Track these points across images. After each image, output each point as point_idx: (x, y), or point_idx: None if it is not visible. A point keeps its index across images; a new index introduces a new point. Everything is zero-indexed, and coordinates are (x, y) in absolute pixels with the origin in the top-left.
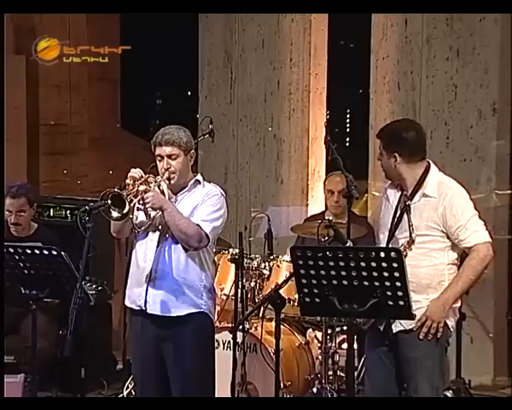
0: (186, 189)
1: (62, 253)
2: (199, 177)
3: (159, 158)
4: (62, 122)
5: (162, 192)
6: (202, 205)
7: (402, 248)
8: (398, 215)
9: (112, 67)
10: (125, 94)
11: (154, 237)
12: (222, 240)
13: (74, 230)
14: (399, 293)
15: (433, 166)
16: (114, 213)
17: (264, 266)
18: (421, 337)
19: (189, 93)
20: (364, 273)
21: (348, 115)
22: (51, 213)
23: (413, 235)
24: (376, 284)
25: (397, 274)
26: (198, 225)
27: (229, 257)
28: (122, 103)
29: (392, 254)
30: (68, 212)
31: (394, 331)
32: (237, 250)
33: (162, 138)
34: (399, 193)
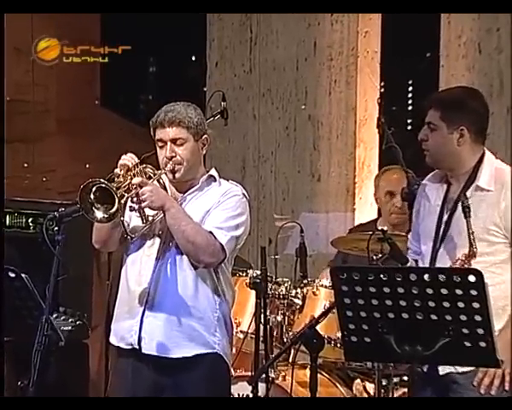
0: (196, 187)
1: (23, 275)
2: (213, 172)
3: (160, 144)
4: (22, 98)
5: (164, 188)
6: (217, 208)
7: (459, 264)
8: (445, 219)
9: (90, 24)
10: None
11: (151, 249)
12: (239, 258)
13: (39, 244)
14: (480, 331)
15: (487, 151)
16: (98, 213)
17: (296, 293)
18: (482, 392)
19: (194, 58)
20: (432, 304)
21: (410, 88)
22: (7, 222)
23: (474, 246)
24: (448, 318)
25: (476, 305)
26: (211, 233)
27: (247, 281)
28: (102, 72)
29: (471, 277)
30: (30, 220)
31: (442, 373)
32: (259, 272)
33: (165, 117)
34: (444, 189)
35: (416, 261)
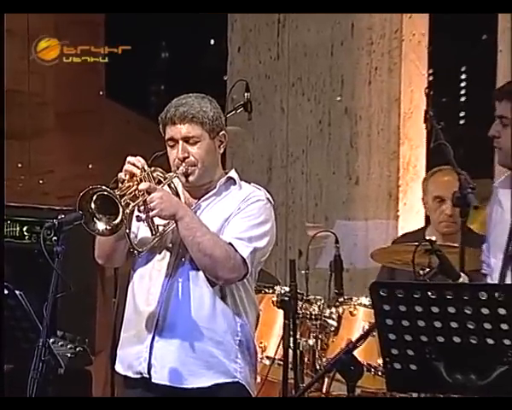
0: (213, 191)
1: (16, 292)
2: (233, 174)
3: (170, 143)
4: (15, 88)
5: (176, 194)
6: (238, 216)
7: None
8: None
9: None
10: (112, 45)
11: (162, 264)
12: (264, 272)
13: (35, 256)
14: None
15: None
16: (100, 225)
17: (330, 313)
18: None
19: (213, 42)
20: (488, 326)
21: (463, 77)
22: None
23: None
24: (507, 342)
25: None
26: (231, 244)
27: (274, 299)
28: (107, 60)
29: None
30: (25, 228)
31: None
32: (287, 289)
33: (176, 112)
34: None
35: (486, 276)
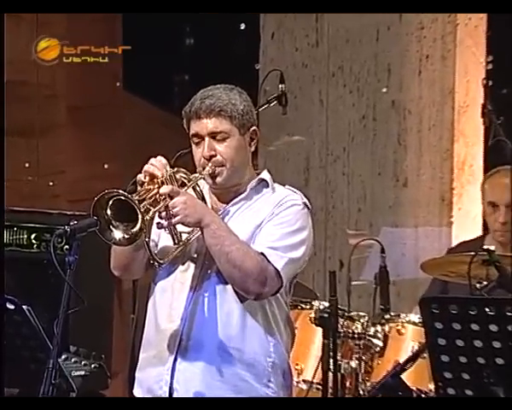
0: (243, 195)
1: (24, 307)
2: (265, 175)
3: (195, 140)
4: (22, 79)
5: (202, 198)
6: (271, 222)
7: None
8: None
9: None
10: (130, 30)
11: (186, 276)
12: (301, 285)
13: (44, 266)
14: None
15: None
16: (117, 233)
17: (375, 331)
18: None
19: (243, 27)
20: None
21: None
22: (5, 239)
23: None
24: None
25: None
26: (263, 254)
27: (312, 316)
28: (124, 45)
29: None
30: (33, 236)
31: None
32: (327, 304)
33: (201, 105)
34: None
35: None
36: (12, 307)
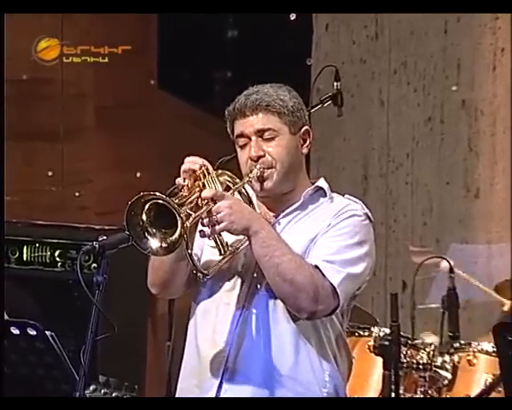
0: (297, 204)
1: (47, 333)
2: (322, 183)
3: (241, 141)
4: (44, 76)
5: (249, 203)
6: (327, 234)
7: None
8: None
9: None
10: (166, 23)
11: (232, 294)
12: (358, 310)
13: (70, 287)
14: None
15: None
16: (154, 242)
17: (443, 362)
18: None
19: (293, 17)
20: None
21: None
22: (24, 256)
23: None
24: None
25: None
26: (317, 268)
27: (371, 344)
28: (160, 41)
29: None
30: (57, 253)
31: None
32: (387, 330)
33: (246, 101)
34: None
35: None
36: (34, 332)
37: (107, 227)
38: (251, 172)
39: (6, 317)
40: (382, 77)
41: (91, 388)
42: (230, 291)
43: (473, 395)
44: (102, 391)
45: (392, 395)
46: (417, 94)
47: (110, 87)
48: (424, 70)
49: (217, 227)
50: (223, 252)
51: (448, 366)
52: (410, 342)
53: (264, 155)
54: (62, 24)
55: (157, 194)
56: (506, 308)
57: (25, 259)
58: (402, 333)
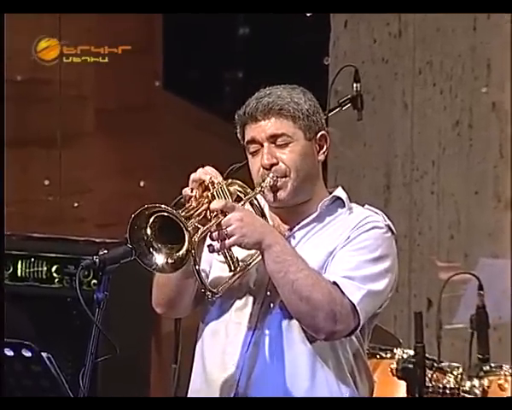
0: (313, 216)
1: (43, 354)
2: (340, 192)
3: (252, 148)
4: (41, 77)
5: (261, 215)
6: (346, 247)
7: None
8: None
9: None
10: (172, 19)
11: (243, 314)
12: (380, 330)
13: (68, 305)
14: None
15: None
16: (159, 258)
17: (472, 386)
18: None
19: (309, 14)
20: None
21: None
22: (18, 271)
23: None
24: None
25: None
26: (335, 284)
27: (393, 366)
28: (166, 39)
29: None
30: (54, 268)
31: None
32: (411, 352)
33: (258, 105)
34: None
35: None
36: (29, 354)
37: (108, 240)
38: (263, 181)
39: None
40: (406, 78)
41: None
42: (241, 310)
43: None
44: None
45: None
46: (444, 96)
47: (111, 88)
48: (451, 70)
49: (227, 241)
50: (233, 268)
51: (477, 391)
52: (435, 364)
53: (277, 163)
54: (60, 22)
55: (162, 206)
56: None
57: (19, 274)
58: (427, 355)
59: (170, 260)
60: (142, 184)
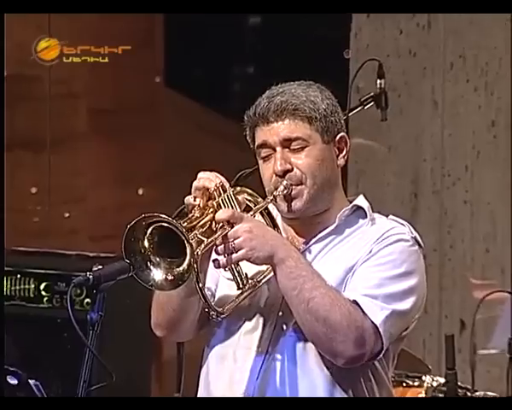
0: (331, 227)
1: (30, 381)
2: (361, 201)
3: (263, 152)
4: (29, 73)
5: (273, 226)
6: (368, 262)
7: None
8: None
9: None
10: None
11: (252, 337)
12: (407, 354)
13: (58, 327)
14: None
15: None
16: (158, 273)
17: None
18: None
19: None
20: None
21: None
22: (4, 289)
23: None
24: None
25: None
26: (356, 303)
27: (422, 395)
28: (167, 32)
29: None
30: (43, 286)
31: None
32: (442, 380)
33: (270, 104)
34: None
35: None
36: (15, 381)
37: (102, 254)
38: (276, 189)
39: None
40: (436, 73)
41: None
42: (251, 333)
43: None
44: None
45: None
46: (478, 93)
47: (106, 86)
48: (486, 65)
49: (234, 255)
50: (241, 285)
51: None
52: (469, 394)
53: (291, 169)
54: (60, 23)
55: (162, 215)
56: None
57: (4, 293)
58: (459, 383)
59: (169, 277)
60: (140, 192)
